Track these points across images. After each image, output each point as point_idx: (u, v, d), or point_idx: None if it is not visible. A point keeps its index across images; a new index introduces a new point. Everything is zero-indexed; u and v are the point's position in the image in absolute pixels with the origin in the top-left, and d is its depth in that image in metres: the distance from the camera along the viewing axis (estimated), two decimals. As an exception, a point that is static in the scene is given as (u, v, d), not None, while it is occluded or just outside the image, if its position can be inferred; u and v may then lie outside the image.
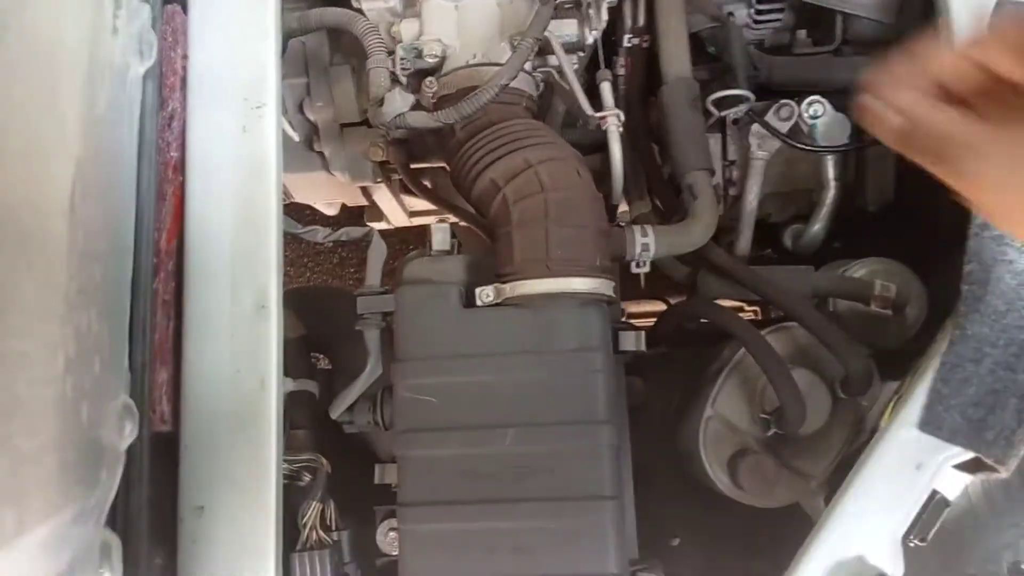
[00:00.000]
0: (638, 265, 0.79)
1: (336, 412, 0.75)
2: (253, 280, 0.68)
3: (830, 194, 0.88)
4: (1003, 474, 0.64)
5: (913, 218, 0.91)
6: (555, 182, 0.73)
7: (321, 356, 0.97)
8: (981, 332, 0.63)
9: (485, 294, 0.72)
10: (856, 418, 0.74)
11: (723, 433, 0.75)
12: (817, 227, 0.90)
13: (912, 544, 0.65)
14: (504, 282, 0.71)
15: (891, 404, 0.66)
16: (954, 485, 0.66)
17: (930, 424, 0.64)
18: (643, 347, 0.77)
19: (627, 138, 0.85)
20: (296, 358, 0.88)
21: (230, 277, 0.68)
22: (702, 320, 0.87)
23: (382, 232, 0.93)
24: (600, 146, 0.90)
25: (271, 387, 0.66)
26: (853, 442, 0.76)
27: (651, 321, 1.18)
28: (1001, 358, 0.63)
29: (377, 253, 0.77)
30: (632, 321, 1.06)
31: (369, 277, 0.77)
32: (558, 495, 0.69)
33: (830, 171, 0.87)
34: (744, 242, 0.90)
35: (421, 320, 0.72)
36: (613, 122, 0.79)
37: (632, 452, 0.78)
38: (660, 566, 0.78)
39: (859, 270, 0.79)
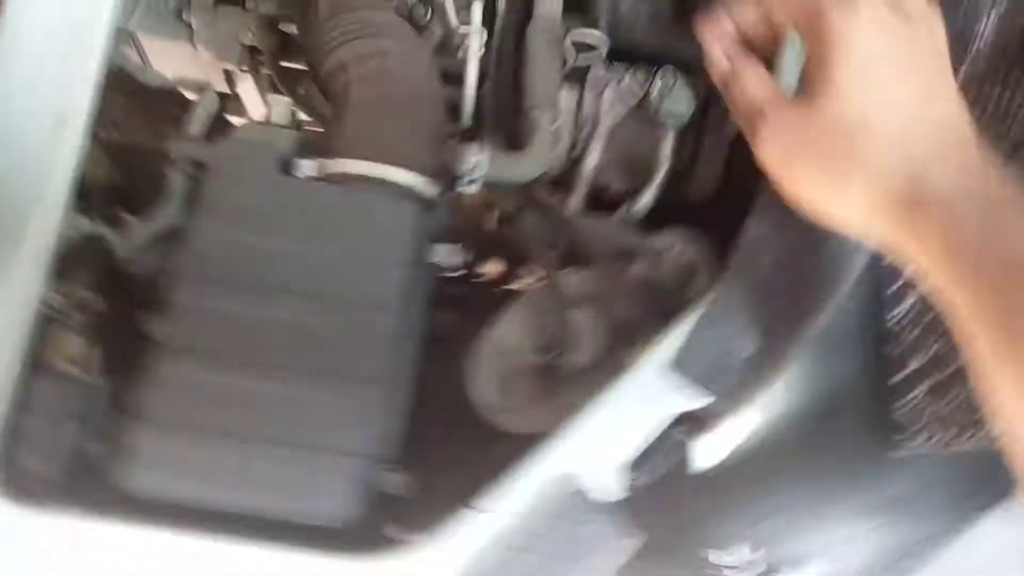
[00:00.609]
0: (468, 183, 0.81)
1: (124, 249, 0.72)
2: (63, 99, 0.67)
3: (660, 173, 0.93)
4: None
5: (731, 218, 0.98)
6: (403, 75, 0.74)
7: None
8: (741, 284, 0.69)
9: (306, 165, 0.71)
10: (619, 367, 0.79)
11: (503, 352, 0.78)
12: (643, 202, 0.95)
13: (637, 482, 0.70)
14: (327, 158, 0.71)
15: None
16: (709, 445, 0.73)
17: (680, 365, 0.69)
18: (455, 261, 0.79)
19: (495, 68, 0.88)
20: (101, 206, 0.84)
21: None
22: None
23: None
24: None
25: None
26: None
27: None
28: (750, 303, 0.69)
29: (207, 104, 0.75)
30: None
31: (192, 126, 0.75)
32: (329, 371, 0.69)
33: (666, 149, 0.93)
34: (576, 200, 0.94)
35: (234, 174, 0.71)
36: (475, 40, 0.81)
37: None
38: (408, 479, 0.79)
39: (664, 239, 0.85)
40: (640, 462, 0.68)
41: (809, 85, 0.52)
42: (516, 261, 1.03)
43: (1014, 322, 0.38)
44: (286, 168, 0.72)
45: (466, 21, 0.84)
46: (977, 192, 0.42)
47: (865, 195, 0.48)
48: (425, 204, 0.75)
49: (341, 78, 0.75)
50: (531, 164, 0.80)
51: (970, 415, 0.72)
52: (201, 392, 0.69)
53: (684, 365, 0.68)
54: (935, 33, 0.51)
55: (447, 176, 0.80)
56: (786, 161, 0.55)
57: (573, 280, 0.79)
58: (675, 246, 0.82)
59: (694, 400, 0.68)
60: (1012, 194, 0.43)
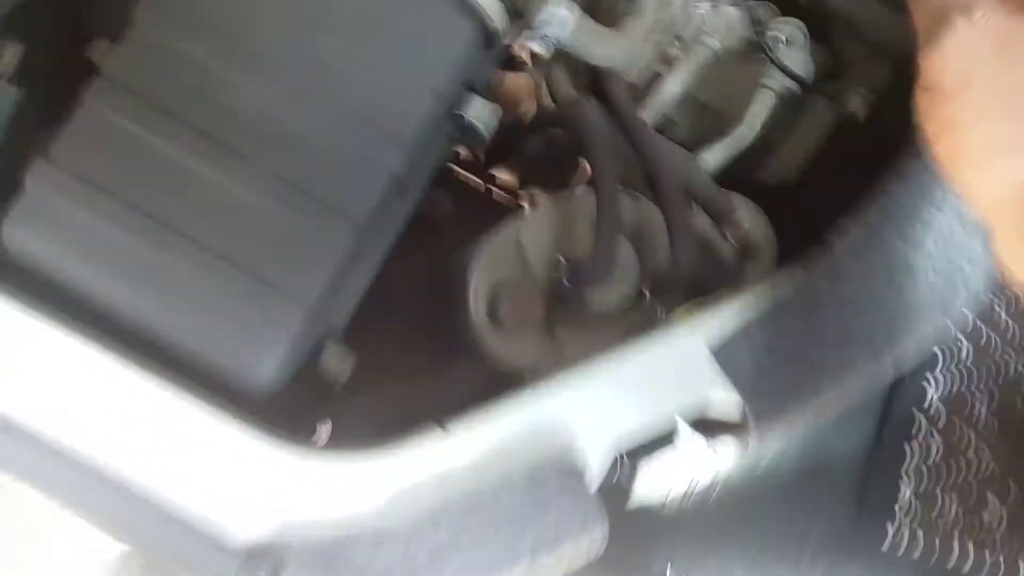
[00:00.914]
0: (540, 37, 0.64)
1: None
2: None
3: (744, 129, 0.78)
4: (748, 442, 0.56)
5: (801, 215, 0.85)
6: None
7: None
8: (828, 290, 0.55)
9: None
10: (644, 324, 0.64)
11: (508, 255, 0.62)
12: (708, 156, 0.80)
13: (626, 467, 0.56)
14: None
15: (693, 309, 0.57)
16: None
17: (722, 352, 0.54)
18: (491, 128, 0.62)
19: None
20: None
21: None
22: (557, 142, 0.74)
23: None
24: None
25: None
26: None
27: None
28: (823, 328, 0.55)
29: None
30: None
31: None
32: (298, 188, 0.52)
33: (761, 110, 0.78)
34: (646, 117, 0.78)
35: None
36: None
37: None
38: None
39: (738, 202, 0.70)
40: (643, 451, 0.53)
41: None
42: (538, 174, 0.86)
43: None
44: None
45: None
46: None
47: None
48: (485, 36, 0.58)
49: None
50: (619, 47, 0.64)
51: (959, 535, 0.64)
52: (131, 149, 0.51)
53: (728, 358, 0.54)
54: None
55: (520, 17, 0.63)
56: (968, 77, 0.42)
57: (625, 202, 0.63)
58: (745, 215, 0.68)
59: (725, 400, 0.54)
60: None
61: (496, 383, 0.62)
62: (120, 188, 0.50)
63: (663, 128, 0.84)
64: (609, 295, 0.62)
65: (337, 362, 0.60)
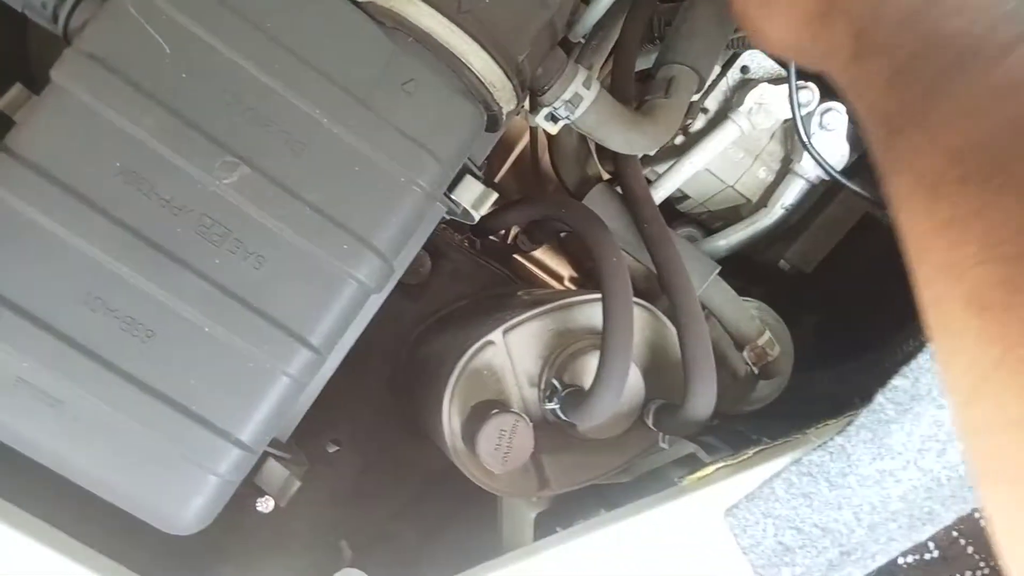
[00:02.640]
0: (551, 118, 0.55)
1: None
2: None
3: (766, 216, 0.70)
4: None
5: (820, 303, 0.77)
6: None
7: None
8: (859, 460, 0.47)
9: (350, -26, 0.43)
10: (641, 450, 0.56)
11: (493, 369, 0.53)
12: (723, 243, 0.72)
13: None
14: (389, -22, 0.44)
15: (717, 466, 0.49)
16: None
17: (738, 519, 0.46)
18: (480, 212, 0.53)
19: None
20: None
21: None
22: (563, 231, 0.65)
23: None
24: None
25: None
26: (607, 476, 0.58)
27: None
28: (854, 501, 0.47)
29: None
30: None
31: None
32: (244, 295, 0.43)
33: (788, 195, 0.69)
34: (659, 195, 0.69)
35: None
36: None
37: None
38: (303, 460, 0.55)
39: (751, 309, 0.62)
40: None
41: None
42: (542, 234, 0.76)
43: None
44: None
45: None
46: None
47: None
48: (488, 116, 0.49)
49: None
50: (651, 134, 0.55)
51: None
52: (48, 255, 0.41)
53: (747, 531, 0.46)
54: None
55: (533, 91, 0.53)
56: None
57: (639, 315, 0.54)
58: (766, 339, 0.59)
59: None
60: None
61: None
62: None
63: (676, 200, 0.76)
64: (613, 425, 0.53)
65: (277, 481, 0.51)
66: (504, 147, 0.89)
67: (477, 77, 0.45)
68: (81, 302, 0.41)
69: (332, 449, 0.77)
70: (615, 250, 0.51)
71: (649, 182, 0.70)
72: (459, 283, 0.78)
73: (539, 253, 0.78)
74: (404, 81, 0.45)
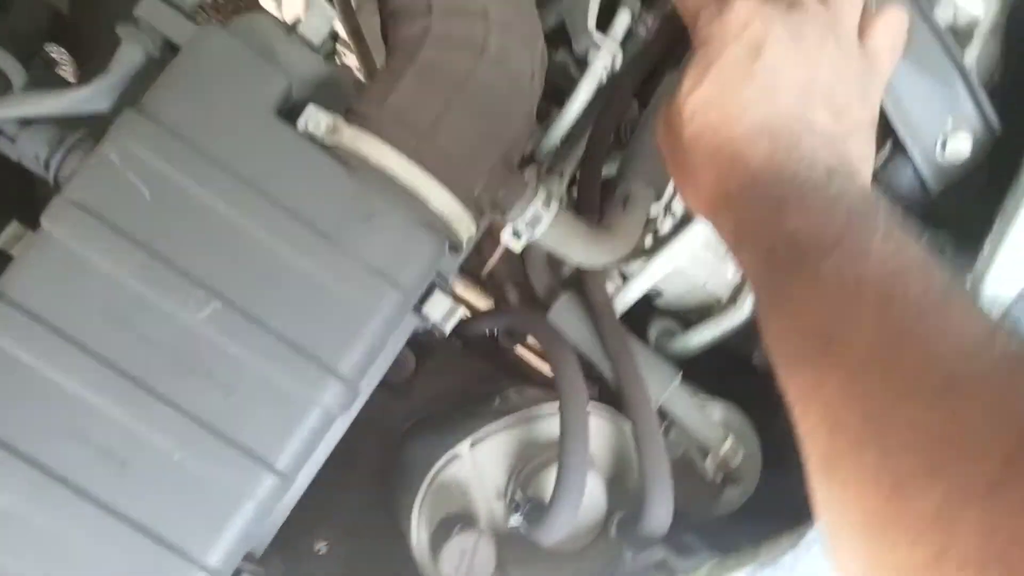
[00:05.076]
0: (514, 234, 0.58)
1: (2, 110, 0.46)
2: None
3: (736, 314, 0.72)
4: None
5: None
6: (499, 58, 0.50)
7: (65, 56, 0.67)
8: None
9: (316, 120, 0.47)
10: (606, 563, 0.57)
11: (460, 482, 0.55)
12: (696, 340, 0.73)
13: None
14: (351, 121, 0.47)
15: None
16: None
17: None
18: (449, 326, 0.55)
19: (606, 102, 0.64)
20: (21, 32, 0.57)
21: None
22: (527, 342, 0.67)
23: None
24: (556, 94, 0.69)
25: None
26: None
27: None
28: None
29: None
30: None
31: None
32: (213, 423, 0.45)
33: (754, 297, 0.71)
34: (629, 297, 0.71)
35: (206, 81, 0.46)
36: (604, 56, 0.58)
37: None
38: (278, 571, 0.56)
39: (715, 413, 0.63)
40: None
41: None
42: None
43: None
44: (289, 111, 0.47)
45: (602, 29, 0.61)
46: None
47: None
48: (450, 243, 0.52)
49: (417, 22, 0.51)
50: (609, 249, 0.57)
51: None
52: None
53: None
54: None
55: (493, 212, 0.56)
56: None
57: (595, 427, 0.56)
58: (729, 445, 0.60)
59: None
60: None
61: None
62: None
63: (653, 295, 0.78)
64: (569, 536, 0.54)
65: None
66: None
67: (435, 210, 0.49)
68: (60, 434, 0.44)
69: (320, 548, 0.78)
70: (573, 367, 0.53)
71: (624, 278, 0.73)
72: (445, 379, 0.80)
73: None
74: (367, 216, 0.48)
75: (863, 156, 0.48)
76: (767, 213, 0.41)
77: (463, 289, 1.14)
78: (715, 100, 0.46)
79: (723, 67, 0.46)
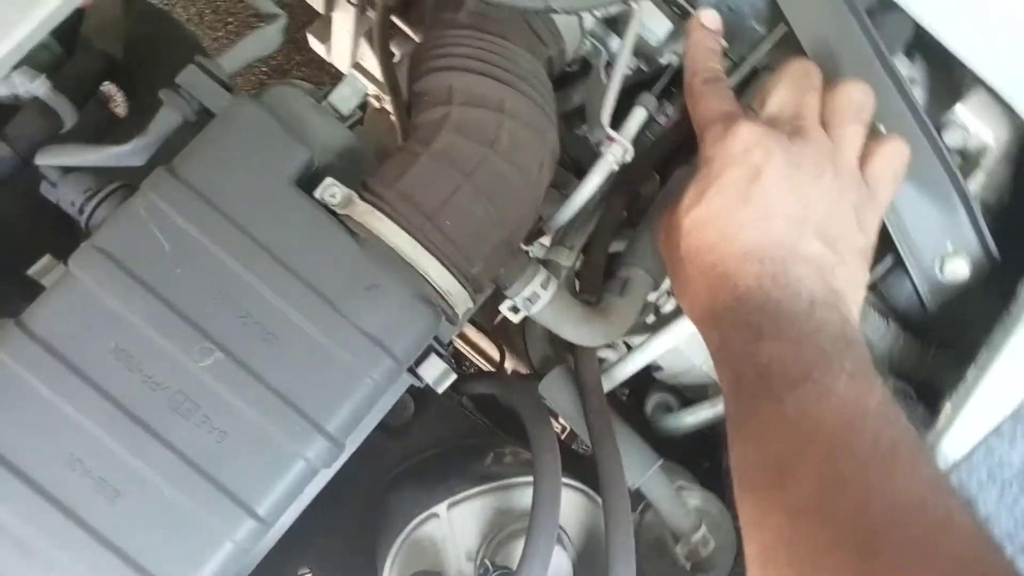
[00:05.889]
0: (513, 310, 0.60)
1: (44, 158, 0.51)
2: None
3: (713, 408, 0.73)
4: None
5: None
6: (511, 154, 0.53)
7: (118, 93, 0.71)
8: None
9: (333, 191, 0.50)
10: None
11: (434, 541, 0.57)
12: (690, 419, 0.75)
13: None
14: (366, 198, 0.51)
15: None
16: None
17: None
18: (441, 388, 0.58)
19: (610, 186, 0.67)
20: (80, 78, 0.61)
21: None
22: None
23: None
24: (576, 163, 0.72)
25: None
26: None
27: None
28: None
29: (264, 37, 0.54)
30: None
31: (230, 55, 0.54)
32: (203, 465, 0.48)
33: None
34: (629, 368, 0.73)
35: (233, 150, 0.50)
36: (616, 151, 0.60)
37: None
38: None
39: (692, 499, 0.65)
40: None
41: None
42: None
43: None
44: (308, 182, 0.51)
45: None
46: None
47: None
48: (446, 315, 0.55)
49: (439, 109, 0.54)
50: (602, 330, 0.60)
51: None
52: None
53: None
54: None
55: (492, 286, 0.59)
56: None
57: (577, 502, 0.58)
58: (705, 520, 0.62)
59: None
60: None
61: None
62: None
63: (654, 368, 0.79)
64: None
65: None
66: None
67: (434, 286, 0.51)
68: (61, 461, 0.47)
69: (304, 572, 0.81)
70: (550, 442, 0.55)
71: (628, 348, 0.75)
72: (442, 428, 0.82)
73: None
74: (368, 286, 0.51)
75: (854, 282, 0.49)
76: (745, 338, 0.43)
77: (476, 335, 1.17)
78: (712, 219, 0.48)
79: (722, 187, 0.48)
